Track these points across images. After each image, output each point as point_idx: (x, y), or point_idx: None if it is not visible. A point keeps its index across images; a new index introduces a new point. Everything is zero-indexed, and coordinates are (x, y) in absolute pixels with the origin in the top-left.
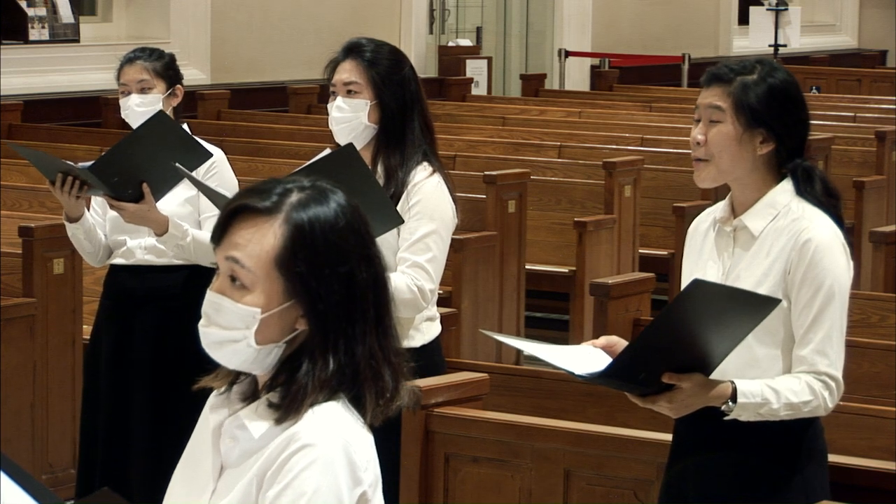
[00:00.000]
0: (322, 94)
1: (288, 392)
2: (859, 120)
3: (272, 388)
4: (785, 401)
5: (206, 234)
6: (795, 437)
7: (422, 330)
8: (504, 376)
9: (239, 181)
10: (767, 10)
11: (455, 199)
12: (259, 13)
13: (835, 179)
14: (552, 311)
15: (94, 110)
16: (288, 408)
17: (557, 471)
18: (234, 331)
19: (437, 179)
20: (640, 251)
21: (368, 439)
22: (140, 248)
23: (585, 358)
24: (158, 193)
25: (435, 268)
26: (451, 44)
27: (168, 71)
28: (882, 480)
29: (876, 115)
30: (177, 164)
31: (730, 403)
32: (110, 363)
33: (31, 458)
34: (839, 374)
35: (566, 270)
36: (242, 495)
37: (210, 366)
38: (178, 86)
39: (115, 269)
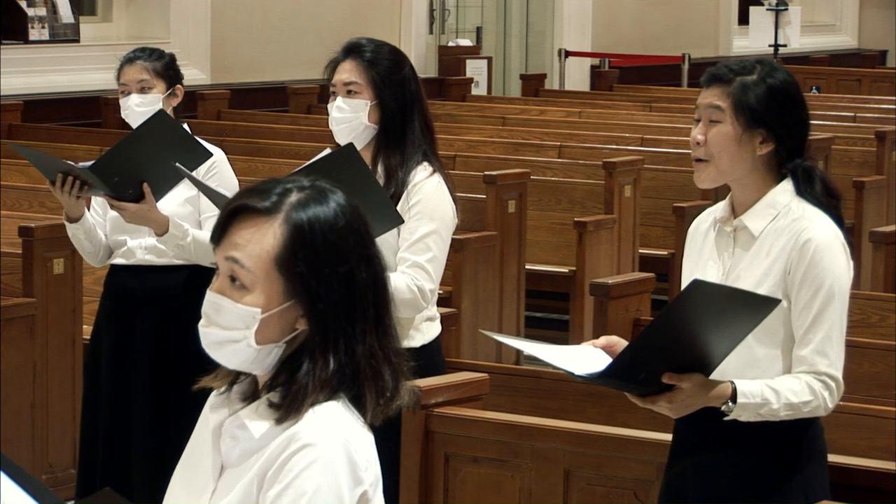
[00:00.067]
0: (322, 94)
1: (288, 392)
2: (859, 120)
3: (272, 387)
4: (785, 401)
5: (206, 234)
6: (795, 437)
7: (422, 330)
8: (504, 376)
9: (239, 181)
10: (767, 10)
11: (455, 199)
12: (259, 13)
13: (835, 179)
14: (552, 311)
15: (94, 110)
16: (289, 407)
17: (557, 471)
18: (234, 331)
19: (438, 179)
20: (640, 251)
21: (369, 439)
22: (140, 248)
23: (585, 358)
24: (159, 193)
25: (435, 268)
26: (451, 44)
27: (168, 71)
28: (882, 480)
29: (876, 115)
30: (177, 164)
31: (730, 404)
32: (111, 363)
33: (31, 458)
34: (839, 375)
35: (566, 270)
36: (243, 495)
37: (210, 366)
38: (179, 86)
39: (115, 269)
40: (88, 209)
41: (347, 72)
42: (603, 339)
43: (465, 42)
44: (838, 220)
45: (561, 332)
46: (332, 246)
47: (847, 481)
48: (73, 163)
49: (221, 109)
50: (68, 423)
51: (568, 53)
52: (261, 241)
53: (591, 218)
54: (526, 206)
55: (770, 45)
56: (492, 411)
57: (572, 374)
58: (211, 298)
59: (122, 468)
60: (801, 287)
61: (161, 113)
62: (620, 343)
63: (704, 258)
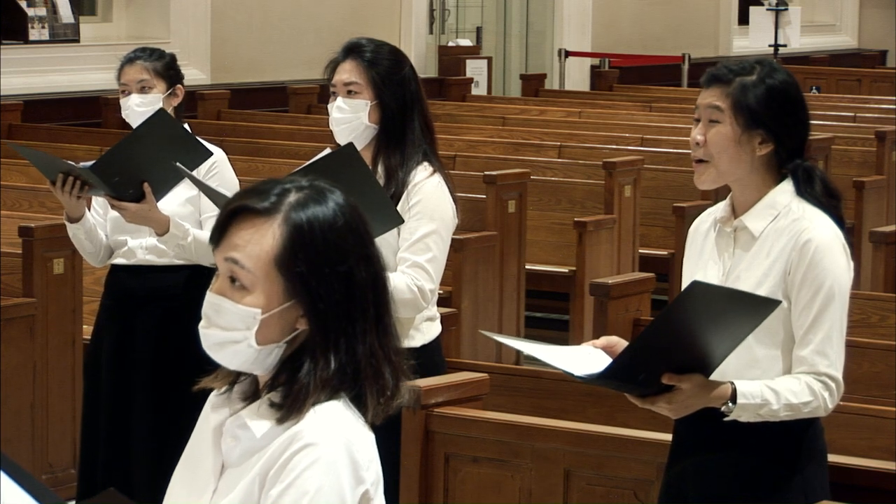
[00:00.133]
0: (322, 94)
1: (290, 392)
2: (859, 120)
3: (273, 387)
4: (785, 401)
5: (207, 234)
6: (795, 437)
7: (422, 330)
8: (504, 376)
9: (239, 181)
10: (767, 10)
11: (455, 199)
12: (259, 13)
13: (835, 179)
14: (552, 311)
15: (94, 110)
16: (290, 407)
17: (557, 471)
18: (234, 332)
19: (438, 179)
20: (640, 251)
21: (370, 438)
22: (141, 248)
23: (585, 358)
24: (159, 193)
25: (435, 268)
26: (451, 44)
27: (168, 71)
28: (882, 480)
29: (876, 115)
30: (177, 164)
31: (729, 404)
32: (111, 363)
33: (31, 458)
34: (839, 375)
35: (566, 270)
36: (244, 494)
37: (210, 366)
38: (179, 86)
39: (115, 269)
40: (89, 209)
41: (347, 72)
42: (603, 340)
43: (465, 42)
44: (838, 221)
45: (561, 332)
46: (331, 245)
47: (847, 481)
48: (73, 163)
49: (221, 109)
50: (68, 423)
51: (568, 53)
52: (260, 241)
53: (591, 218)
54: (526, 206)
55: (770, 45)
56: (492, 411)
57: (572, 374)
58: (211, 300)
59: (123, 468)
60: (801, 287)
61: (161, 112)
62: (620, 343)
63: (705, 258)
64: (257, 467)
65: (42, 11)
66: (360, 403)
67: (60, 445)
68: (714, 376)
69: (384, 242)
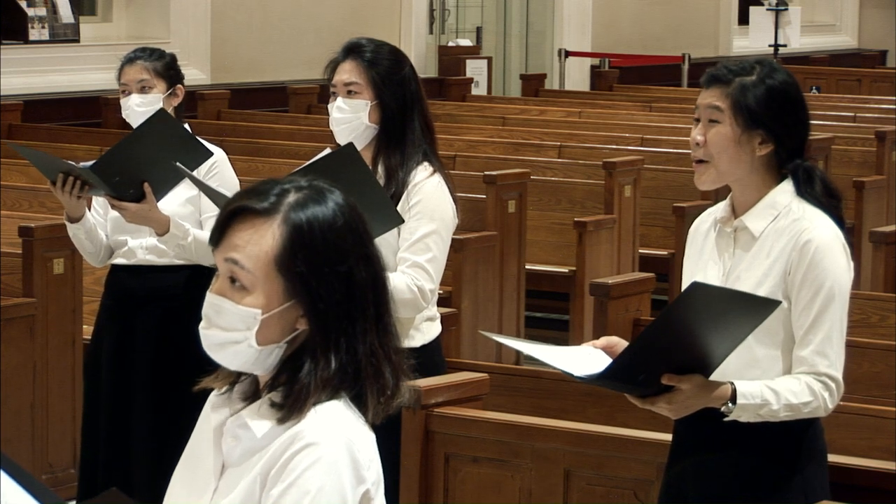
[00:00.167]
0: (322, 94)
1: (290, 391)
2: (859, 120)
3: (274, 387)
4: (785, 402)
5: (207, 234)
6: (795, 437)
7: (422, 330)
8: (504, 376)
9: (239, 181)
10: (767, 10)
11: (455, 199)
12: (259, 13)
13: (835, 179)
14: (552, 311)
15: (94, 110)
16: (291, 407)
17: (557, 471)
18: (234, 332)
19: (438, 179)
20: (640, 251)
21: (371, 438)
22: (141, 248)
23: (585, 359)
24: (159, 193)
25: (435, 268)
26: (451, 44)
27: (169, 71)
28: (882, 480)
29: (876, 115)
30: (178, 164)
31: (729, 405)
32: (111, 363)
33: (31, 458)
34: (839, 375)
35: (566, 270)
36: (246, 494)
37: (210, 366)
38: (179, 86)
39: (116, 269)
40: (89, 209)
41: (347, 72)
42: (603, 340)
43: (465, 42)
44: (839, 221)
45: (561, 332)
46: (331, 245)
47: (847, 481)
48: (73, 163)
49: (221, 109)
50: (68, 423)
51: (568, 53)
52: (260, 242)
53: (591, 218)
54: (526, 206)
55: (770, 45)
56: (492, 411)
57: (571, 375)
58: (211, 300)
59: (124, 468)
60: (801, 288)
61: (161, 112)
62: (620, 344)
63: (705, 259)
64: (258, 467)
65: (42, 11)
66: (360, 403)
67: (60, 445)
68: (714, 376)
69: (384, 242)
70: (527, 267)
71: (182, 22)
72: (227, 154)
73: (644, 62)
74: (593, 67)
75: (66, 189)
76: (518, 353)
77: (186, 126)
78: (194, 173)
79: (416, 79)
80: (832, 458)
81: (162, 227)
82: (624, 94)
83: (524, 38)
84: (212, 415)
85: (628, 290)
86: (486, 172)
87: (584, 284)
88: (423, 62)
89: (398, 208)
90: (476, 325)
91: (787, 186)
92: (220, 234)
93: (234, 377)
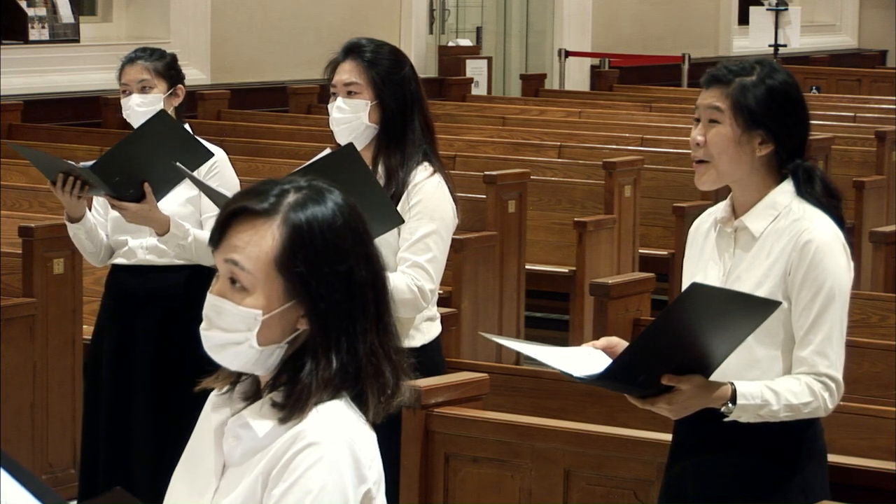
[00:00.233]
0: (322, 94)
1: (292, 391)
2: (859, 120)
3: (275, 387)
4: (785, 402)
5: (207, 234)
6: (795, 437)
7: (422, 330)
8: (504, 376)
9: (239, 181)
10: (767, 10)
11: (455, 200)
12: (259, 13)
13: (835, 179)
14: (552, 311)
15: (94, 110)
16: (293, 407)
17: (557, 471)
18: (235, 333)
19: (438, 179)
20: (640, 251)
21: (372, 437)
22: (141, 248)
23: (585, 359)
24: (160, 193)
25: (435, 268)
26: (451, 44)
27: (169, 71)
28: (882, 480)
29: (876, 115)
30: (178, 164)
31: (729, 405)
32: (112, 363)
33: (31, 458)
34: (839, 376)
35: (566, 270)
36: (247, 494)
37: (211, 366)
38: (180, 86)
39: (116, 269)
40: (90, 209)
41: (347, 72)
42: (603, 341)
43: (465, 42)
44: (839, 221)
45: (561, 333)
46: (330, 245)
47: (847, 481)
48: (73, 163)
49: (221, 109)
50: (68, 423)
51: (568, 53)
52: (259, 242)
53: (591, 218)
54: (526, 206)
55: (770, 45)
56: (492, 411)
57: (571, 375)
58: (212, 301)
59: (125, 468)
60: (801, 288)
61: (162, 112)
62: (620, 344)
63: (705, 259)
64: (260, 466)
65: (42, 11)
66: (361, 402)
67: (60, 445)
68: (714, 376)
69: (384, 242)
70: (527, 267)
71: (182, 22)
72: (228, 154)
73: (644, 62)
74: (593, 67)
75: (66, 189)
76: (518, 353)
77: (187, 126)
78: (195, 173)
79: (416, 79)
80: (832, 458)
81: (162, 227)
82: (624, 94)
83: (524, 38)
84: (212, 415)
85: (628, 290)
86: (486, 172)
87: (584, 284)
88: (423, 62)
89: (398, 208)
90: (476, 325)
91: (787, 187)
92: (219, 234)
93: (235, 377)
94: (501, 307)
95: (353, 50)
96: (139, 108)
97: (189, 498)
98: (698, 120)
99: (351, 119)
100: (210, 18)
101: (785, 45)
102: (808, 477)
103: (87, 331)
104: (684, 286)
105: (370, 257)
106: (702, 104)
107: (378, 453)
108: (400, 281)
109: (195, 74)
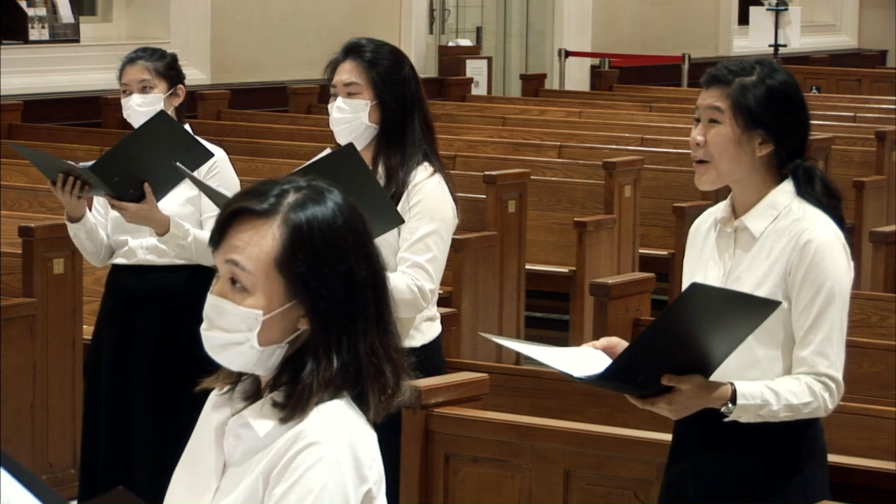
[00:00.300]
0: (322, 94)
1: (293, 391)
2: (859, 120)
3: (275, 387)
4: (785, 402)
5: (207, 234)
6: (795, 437)
7: (422, 330)
8: (504, 376)
9: (239, 181)
10: (767, 10)
11: (455, 200)
12: (259, 13)
13: (835, 179)
14: (552, 311)
15: (94, 110)
16: (294, 407)
17: (557, 471)
18: (236, 333)
19: (438, 179)
20: (640, 251)
21: (372, 437)
22: (141, 248)
23: (585, 360)
24: (159, 193)
25: (435, 268)
26: (451, 44)
27: (170, 71)
28: (882, 480)
29: (876, 115)
30: (178, 164)
31: (729, 405)
32: (112, 363)
33: (31, 458)
34: (839, 376)
35: (566, 270)
36: (248, 493)
37: (211, 366)
38: (180, 86)
39: (116, 269)
40: (90, 209)
41: (347, 72)
42: (603, 341)
43: (465, 42)
44: (839, 221)
45: (561, 333)
46: (331, 245)
47: (847, 481)
48: (73, 163)
49: (221, 109)
50: (68, 423)
51: (568, 53)
52: (260, 243)
53: (591, 218)
54: (526, 206)
55: (770, 45)
56: (492, 411)
57: (571, 376)
58: (212, 301)
59: (125, 468)
60: (801, 288)
61: (161, 113)
62: (620, 344)
63: (705, 259)
64: (261, 466)
65: (42, 11)
66: (361, 402)
67: (60, 445)
68: (714, 376)
69: (384, 242)
70: (527, 267)
71: (182, 22)
72: (228, 154)
73: (644, 62)
74: (593, 67)
75: (66, 189)
76: (518, 353)
77: (187, 126)
78: (195, 173)
79: (416, 79)
80: (832, 458)
81: (162, 227)
82: (624, 94)
83: (524, 38)
84: (213, 414)
85: (628, 290)
86: (486, 172)
87: (584, 284)
88: (423, 62)
89: (398, 208)
90: (476, 325)
91: (787, 187)
92: (219, 235)
93: (235, 377)
94: (501, 307)
95: (353, 50)
96: (140, 108)
97: (189, 498)
98: (698, 120)
99: (351, 119)
100: (210, 18)
101: (785, 45)
102: (808, 477)
103: (87, 331)
104: (684, 286)
105: (370, 257)
106: (702, 104)
107: (379, 453)
108: (400, 281)
109: (195, 74)
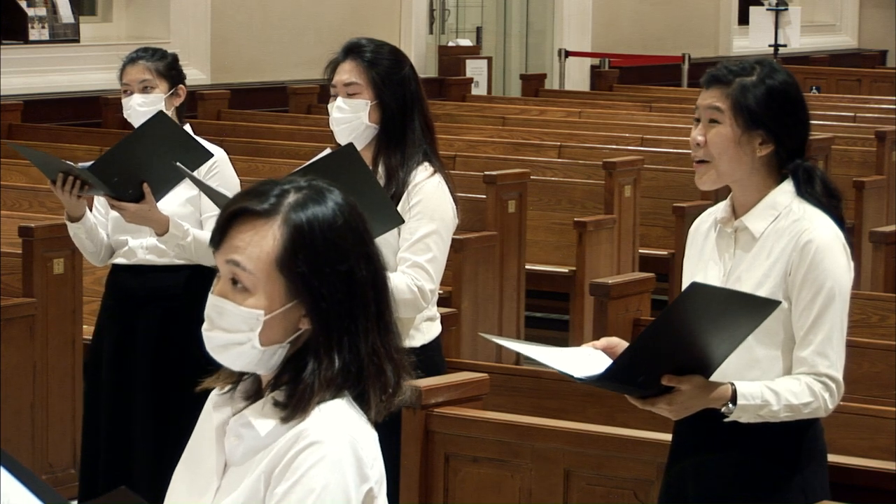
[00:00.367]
0: (322, 94)
1: (294, 391)
2: (859, 120)
3: (277, 386)
4: (785, 402)
5: (207, 234)
6: (795, 437)
7: (422, 330)
8: (504, 376)
9: (239, 181)
10: (767, 10)
11: (456, 200)
12: (259, 13)
13: (835, 179)
14: (552, 311)
15: (94, 110)
16: (295, 407)
17: (557, 471)
18: (237, 333)
19: (438, 179)
20: (640, 251)
21: (373, 436)
22: (141, 247)
23: (585, 360)
24: (159, 193)
25: (435, 268)
26: (451, 44)
27: (170, 71)
28: (882, 480)
29: (876, 115)
30: (177, 164)
31: (730, 405)
32: (112, 363)
33: (31, 458)
34: (839, 376)
35: (566, 270)
36: (249, 492)
37: (211, 366)
38: (181, 86)
39: (116, 268)
40: (90, 209)
41: (347, 72)
42: (603, 341)
43: (465, 42)
44: (839, 221)
45: (561, 333)
46: (331, 245)
47: (847, 481)
48: (73, 163)
49: (221, 109)
50: (68, 423)
51: (568, 53)
52: (260, 243)
53: (591, 218)
54: (526, 206)
55: (770, 45)
56: (492, 411)
57: (571, 376)
58: (213, 302)
59: (124, 468)
60: (801, 288)
61: (160, 113)
62: (621, 345)
63: (705, 259)
64: (262, 465)
65: (42, 11)
66: (362, 401)
67: (60, 445)
68: (714, 376)
69: (384, 242)
70: (527, 267)
71: (182, 22)
72: (228, 154)
73: (644, 62)
74: (593, 67)
75: (66, 189)
76: (518, 353)
77: (188, 127)
78: (195, 173)
79: (416, 79)
80: (832, 458)
81: (161, 227)
82: (624, 94)
83: (524, 38)
84: (214, 414)
85: (628, 290)
86: (486, 172)
87: (584, 284)
88: (423, 62)
89: (398, 208)
90: (476, 325)
91: (787, 187)
92: (220, 235)
93: (236, 377)
94: (501, 307)
95: (353, 50)
96: (140, 108)
97: (190, 497)
98: (698, 120)
99: (351, 119)
100: (210, 18)
101: (785, 45)
102: (808, 477)
103: (87, 331)
104: (684, 286)
105: (371, 256)
106: (702, 104)
107: (380, 452)
108: (400, 281)
109: (195, 74)
